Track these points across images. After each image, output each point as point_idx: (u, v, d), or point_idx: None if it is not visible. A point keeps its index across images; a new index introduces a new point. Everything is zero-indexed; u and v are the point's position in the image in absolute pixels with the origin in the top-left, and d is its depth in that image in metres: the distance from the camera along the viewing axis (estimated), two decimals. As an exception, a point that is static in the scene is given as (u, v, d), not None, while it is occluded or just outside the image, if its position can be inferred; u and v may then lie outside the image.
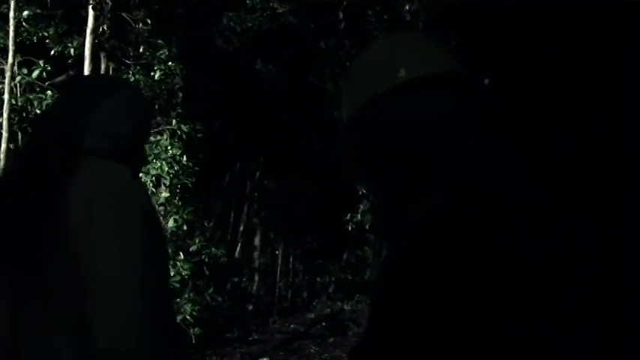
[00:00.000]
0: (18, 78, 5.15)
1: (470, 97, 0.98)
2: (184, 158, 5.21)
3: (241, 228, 10.77)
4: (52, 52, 5.60)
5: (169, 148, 5.18)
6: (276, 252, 10.78)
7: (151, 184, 5.04)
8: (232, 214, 10.72)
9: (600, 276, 0.94)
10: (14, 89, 5.20)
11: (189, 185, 5.35)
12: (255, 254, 10.63)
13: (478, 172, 0.94)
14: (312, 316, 9.96)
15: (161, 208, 5.60)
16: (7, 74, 4.88)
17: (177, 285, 5.02)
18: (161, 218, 5.65)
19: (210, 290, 6.96)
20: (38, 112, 5.34)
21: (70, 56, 5.69)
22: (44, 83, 5.37)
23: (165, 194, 5.32)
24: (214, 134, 9.21)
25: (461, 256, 0.88)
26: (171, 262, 5.22)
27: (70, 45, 5.60)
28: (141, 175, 5.01)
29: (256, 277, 10.38)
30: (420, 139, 0.95)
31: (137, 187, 1.40)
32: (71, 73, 6.44)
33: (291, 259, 10.93)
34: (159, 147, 5.13)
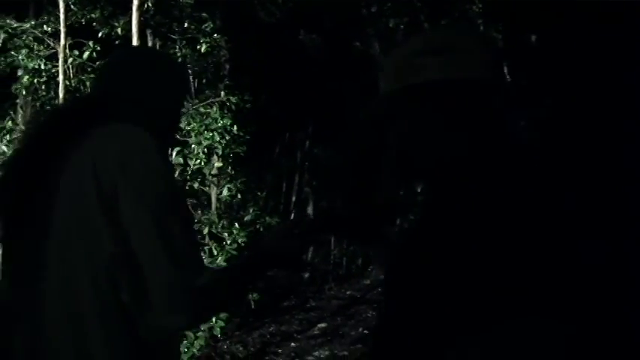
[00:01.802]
0: (70, 60, 5.27)
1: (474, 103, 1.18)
2: (235, 128, 5.28)
3: (293, 198, 10.86)
4: (100, 35, 5.71)
5: (219, 119, 5.25)
6: (329, 220, 10.82)
7: (203, 155, 5.13)
8: (284, 185, 10.81)
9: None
10: (67, 71, 5.33)
11: (242, 154, 5.42)
12: (309, 223, 10.69)
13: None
14: (368, 282, 10.00)
15: (214, 179, 5.70)
16: (60, 56, 5.01)
17: (235, 253, 5.11)
18: (215, 188, 5.76)
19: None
20: (91, 92, 5.48)
21: (117, 37, 5.79)
22: (95, 64, 5.49)
23: (218, 164, 5.41)
24: (262, 106, 9.27)
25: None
26: (227, 232, 5.32)
27: (116, 25, 5.70)
28: (193, 146, 5.11)
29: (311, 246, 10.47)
30: (463, 114, 1.17)
31: (153, 149, 1.34)
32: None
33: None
34: (209, 118, 5.20)
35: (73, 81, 5.37)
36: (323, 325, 8.00)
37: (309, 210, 10.62)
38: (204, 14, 5.67)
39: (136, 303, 1.26)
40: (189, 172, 5.17)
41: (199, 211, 5.83)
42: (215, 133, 5.04)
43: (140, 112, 1.48)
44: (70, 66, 5.37)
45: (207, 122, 5.10)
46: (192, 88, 6.56)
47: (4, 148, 4.83)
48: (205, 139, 5.00)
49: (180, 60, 5.90)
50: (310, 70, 9.94)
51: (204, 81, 6.78)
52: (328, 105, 10.16)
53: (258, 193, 7.41)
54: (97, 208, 1.27)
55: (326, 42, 9.97)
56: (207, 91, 6.29)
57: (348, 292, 9.86)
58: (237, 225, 5.43)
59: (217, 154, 5.24)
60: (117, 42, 5.88)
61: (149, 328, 1.28)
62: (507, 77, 8.34)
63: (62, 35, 5.05)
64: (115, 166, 1.28)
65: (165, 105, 1.55)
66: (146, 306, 1.25)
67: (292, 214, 10.68)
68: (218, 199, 6.14)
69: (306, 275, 9.96)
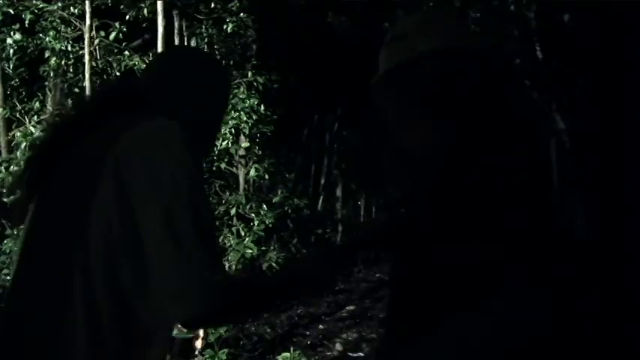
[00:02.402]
0: (96, 41, 5.27)
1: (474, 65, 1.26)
2: (262, 108, 5.23)
3: (322, 180, 10.83)
4: (127, 17, 5.69)
5: (246, 99, 5.21)
6: (358, 203, 10.79)
7: (230, 136, 5.09)
8: (313, 167, 10.78)
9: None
10: (94, 52, 5.33)
11: (269, 134, 5.38)
12: (338, 206, 10.68)
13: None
14: (397, 264, 9.95)
15: (242, 159, 5.67)
16: (86, 36, 5.00)
17: (262, 234, 5.08)
18: (243, 169, 5.72)
19: (295, 241, 7.04)
20: (118, 73, 5.48)
21: (145, 19, 5.77)
22: (121, 45, 5.48)
23: (245, 144, 5.37)
24: (291, 88, 9.22)
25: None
26: (255, 213, 5.29)
27: (143, 5, 5.67)
28: (219, 125, 5.07)
29: (339, 228, 10.45)
30: (436, 89, 1.23)
31: (180, 142, 1.29)
32: (147, 36, 6.55)
33: (373, 210, 10.93)
34: (236, 98, 5.16)
35: (99, 62, 5.37)
36: (351, 307, 7.99)
37: (338, 192, 10.57)
38: (230, -7, 5.62)
39: (138, 289, 1.23)
40: (217, 153, 5.14)
41: (227, 193, 5.81)
42: (242, 112, 4.99)
43: (182, 110, 1.43)
44: (97, 47, 5.36)
45: (233, 102, 5.06)
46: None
47: (32, 129, 4.85)
48: (232, 118, 4.96)
49: (206, 40, 5.87)
50: (339, 52, 9.86)
51: (231, 63, 6.74)
52: (357, 87, 10.08)
53: (287, 175, 7.37)
54: (112, 195, 1.23)
55: (355, 24, 9.88)
56: (234, 72, 6.24)
57: (377, 275, 9.82)
58: (265, 207, 5.41)
59: (244, 133, 5.19)
60: (144, 24, 5.86)
61: (149, 315, 1.25)
62: (539, 58, 8.17)
63: (87, 16, 5.03)
64: (138, 156, 1.24)
65: (209, 109, 1.51)
66: (149, 293, 1.21)
67: (321, 197, 10.65)
68: (246, 181, 6.11)
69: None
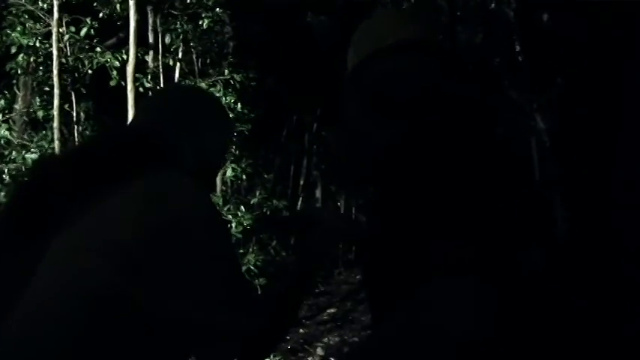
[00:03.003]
0: (66, 37, 5.07)
1: (435, 57, 1.27)
2: (239, 106, 5.07)
3: (302, 181, 10.70)
4: (101, 15, 5.51)
5: (222, 97, 5.04)
6: (338, 204, 10.68)
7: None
8: (292, 168, 10.65)
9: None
10: (64, 49, 5.13)
11: (246, 132, 5.22)
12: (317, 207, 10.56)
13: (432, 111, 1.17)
14: (379, 266, 9.86)
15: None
16: (54, 31, 4.79)
17: (240, 236, 4.93)
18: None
19: (274, 243, 6.89)
20: (90, 71, 5.29)
21: (119, 17, 5.58)
22: (93, 42, 5.29)
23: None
24: (269, 88, 9.07)
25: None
26: (232, 214, 5.14)
27: (115, 0, 5.48)
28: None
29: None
30: (391, 87, 1.23)
31: (200, 197, 1.22)
32: (121, 35, 6.36)
33: (353, 211, 10.81)
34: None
35: (70, 59, 5.17)
36: (332, 310, 7.86)
37: (318, 194, 10.45)
38: (206, -12, 5.45)
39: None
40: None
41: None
42: (218, 110, 4.82)
43: (193, 159, 1.34)
44: (67, 44, 5.16)
45: (209, 99, 4.88)
46: (196, 69, 6.35)
47: (-1, 128, 4.66)
48: (207, 116, 4.78)
49: (181, 37, 5.69)
50: (318, 52, 9.76)
51: (208, 61, 6.58)
52: (336, 87, 9.96)
53: (265, 176, 7.22)
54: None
55: (334, 24, 9.78)
56: (211, 70, 6.08)
57: (357, 277, 9.70)
58: (243, 208, 5.26)
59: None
60: (118, 22, 5.68)
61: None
62: (519, 57, 8.12)
63: (55, 9, 4.83)
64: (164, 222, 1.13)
65: (218, 151, 1.43)
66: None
67: (300, 198, 10.52)
68: (224, 182, 5.95)
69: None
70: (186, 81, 5.68)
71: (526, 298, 1.00)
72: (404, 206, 1.09)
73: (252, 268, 5.01)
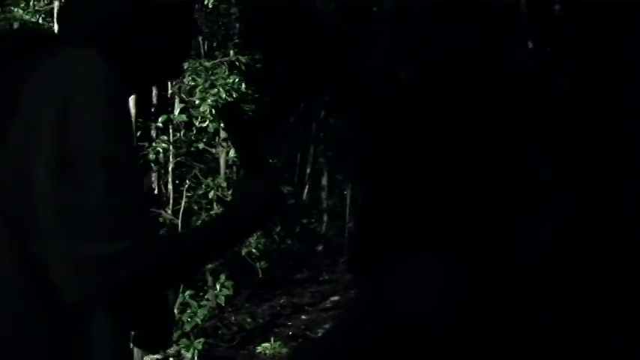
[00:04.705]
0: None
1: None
2: (243, 86, 4.99)
3: (308, 169, 10.64)
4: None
5: (227, 77, 4.96)
6: (344, 192, 10.61)
7: (210, 115, 4.84)
8: (298, 156, 10.58)
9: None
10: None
11: (250, 113, 5.14)
12: (323, 195, 10.50)
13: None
14: (383, 255, 9.82)
15: (224, 142, 5.43)
16: (56, 4, 4.75)
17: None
18: (224, 153, 5.47)
19: (278, 229, 6.84)
20: None
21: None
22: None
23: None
24: (276, 74, 9.00)
25: None
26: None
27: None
28: (197, 102, 4.82)
29: (325, 218, 10.27)
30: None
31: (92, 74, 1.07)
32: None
33: (359, 199, 10.74)
34: (216, 74, 4.90)
35: (73, 37, 5.12)
36: (336, 298, 7.82)
37: (324, 181, 10.39)
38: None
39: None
40: (194, 132, 4.92)
41: (209, 178, 5.59)
42: (222, 89, 4.73)
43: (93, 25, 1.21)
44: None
45: (213, 78, 4.80)
46: (202, 51, 6.29)
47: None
48: (211, 95, 4.70)
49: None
50: (327, 38, 9.67)
51: (214, 44, 6.52)
52: (344, 73, 9.87)
53: (271, 161, 7.15)
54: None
55: (343, 9, 9.67)
56: (216, 52, 6.02)
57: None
58: (246, 191, 5.18)
59: (224, 112, 4.95)
60: None
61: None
62: (530, 46, 8.03)
63: (59, -15, 4.78)
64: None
65: (145, 35, 1.26)
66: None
67: (307, 186, 10.45)
68: (228, 165, 5.89)
69: (320, 248, 9.76)
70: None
71: (513, 286, 0.90)
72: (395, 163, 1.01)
73: (254, 250, 4.95)
